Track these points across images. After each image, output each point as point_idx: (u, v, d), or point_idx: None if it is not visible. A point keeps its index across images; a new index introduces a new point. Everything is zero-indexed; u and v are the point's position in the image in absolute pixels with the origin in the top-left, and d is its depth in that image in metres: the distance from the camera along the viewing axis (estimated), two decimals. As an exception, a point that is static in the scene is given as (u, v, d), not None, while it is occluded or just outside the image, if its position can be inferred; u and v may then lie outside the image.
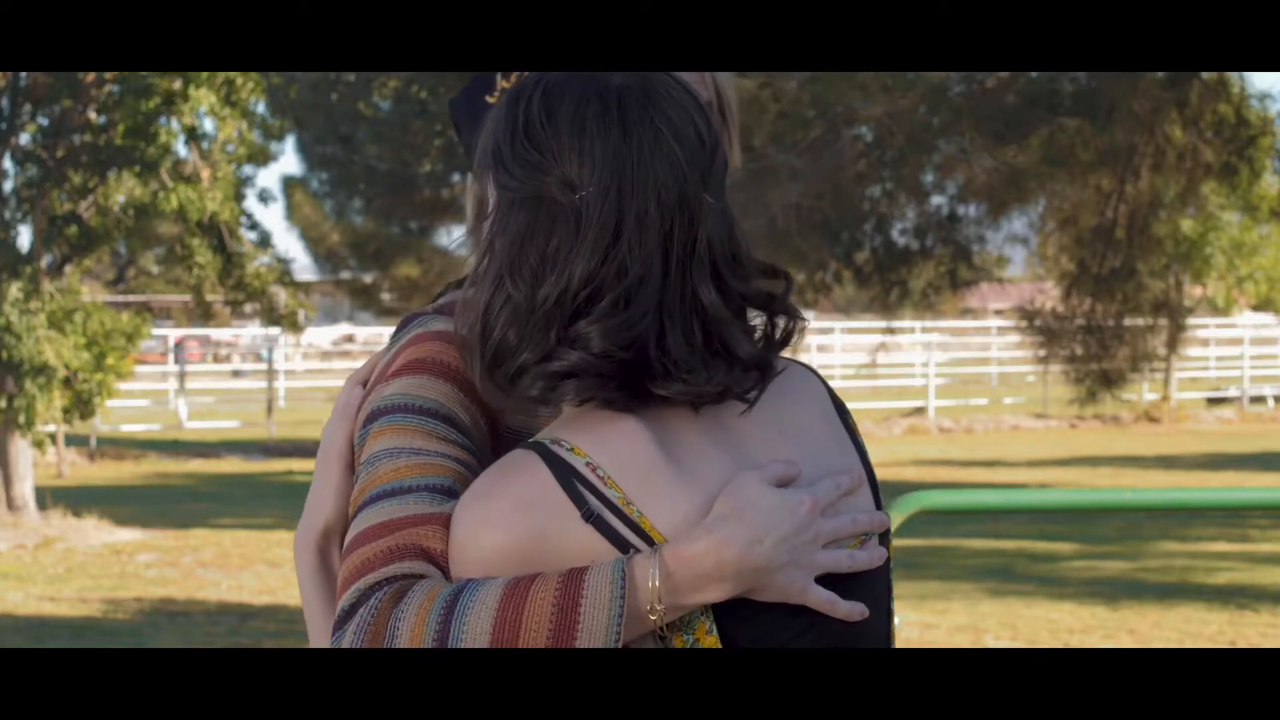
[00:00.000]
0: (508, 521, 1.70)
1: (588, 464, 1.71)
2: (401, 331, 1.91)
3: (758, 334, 1.78)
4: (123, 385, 20.22)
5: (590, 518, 1.69)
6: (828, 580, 1.74)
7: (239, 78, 16.41)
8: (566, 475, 1.70)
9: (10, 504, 16.42)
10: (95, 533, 15.52)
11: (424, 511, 1.74)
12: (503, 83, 1.97)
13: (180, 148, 17.17)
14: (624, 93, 1.74)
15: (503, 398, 1.76)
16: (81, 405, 17.18)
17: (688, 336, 1.72)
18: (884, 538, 1.82)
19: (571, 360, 1.70)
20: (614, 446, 1.72)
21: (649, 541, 1.69)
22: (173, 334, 34.10)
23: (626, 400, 1.72)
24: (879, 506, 1.84)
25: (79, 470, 22.46)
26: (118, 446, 24.89)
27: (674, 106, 1.75)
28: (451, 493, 1.77)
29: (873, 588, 1.79)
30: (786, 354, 1.84)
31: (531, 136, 1.74)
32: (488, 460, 1.83)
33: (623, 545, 1.69)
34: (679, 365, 1.71)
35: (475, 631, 1.66)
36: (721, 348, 1.73)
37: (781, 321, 1.78)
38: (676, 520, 1.71)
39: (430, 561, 1.72)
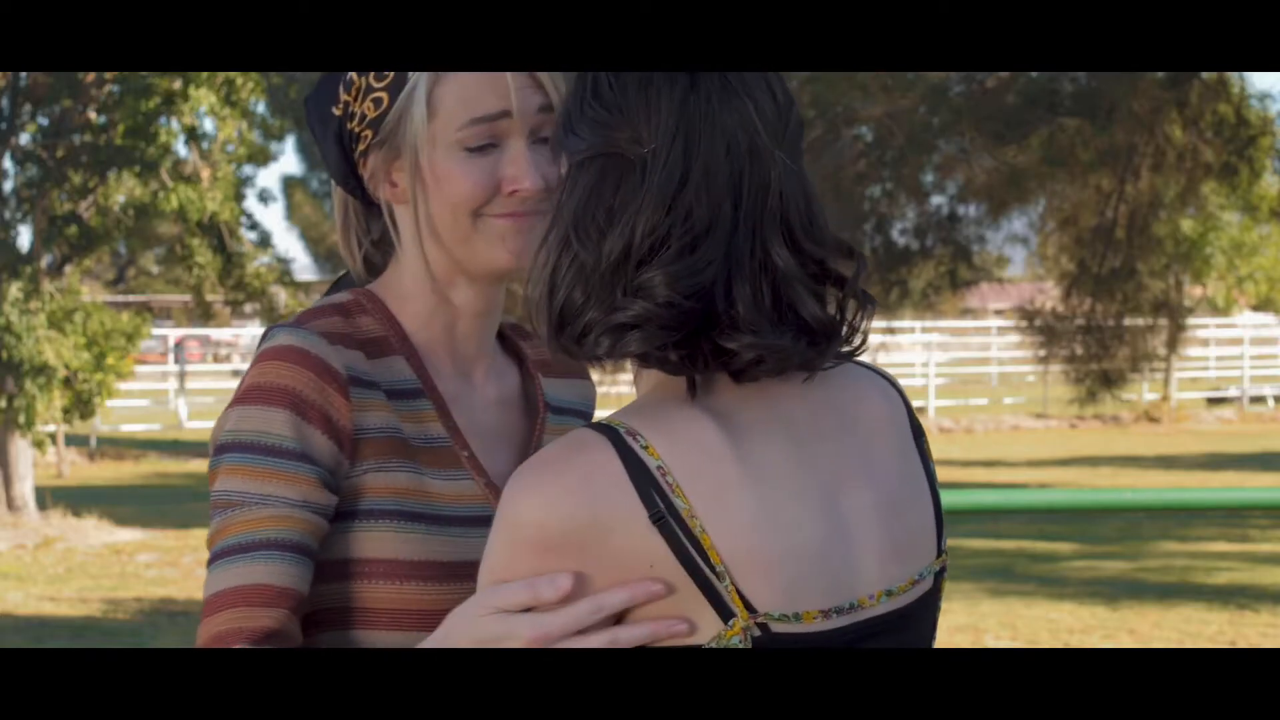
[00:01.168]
0: (570, 503, 1.65)
1: (659, 467, 1.65)
2: (260, 345, 1.91)
3: (831, 308, 1.72)
4: (123, 385, 20.22)
5: (658, 520, 1.64)
6: (877, 623, 1.73)
7: (239, 78, 16.40)
8: (639, 472, 1.65)
9: (10, 504, 16.43)
10: (95, 533, 15.52)
11: (271, 584, 1.83)
12: (344, 95, 1.96)
13: (180, 148, 17.17)
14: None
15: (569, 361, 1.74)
16: (81, 405, 17.19)
17: (756, 295, 1.67)
18: (939, 575, 1.81)
19: (636, 310, 1.65)
20: (687, 453, 1.67)
21: (707, 561, 1.65)
22: (173, 334, 34.09)
23: (690, 360, 1.67)
24: (940, 543, 1.81)
25: (79, 470, 22.47)
26: (118, 446, 24.90)
27: (745, 71, 1.73)
28: (299, 548, 1.85)
29: (919, 625, 1.79)
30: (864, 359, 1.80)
31: (600, 96, 1.71)
32: (344, 469, 1.87)
33: (684, 554, 1.64)
34: (746, 321, 1.66)
35: None
36: (791, 312, 1.68)
37: (852, 306, 1.73)
38: (737, 546, 1.66)
39: (275, 643, 1.83)
